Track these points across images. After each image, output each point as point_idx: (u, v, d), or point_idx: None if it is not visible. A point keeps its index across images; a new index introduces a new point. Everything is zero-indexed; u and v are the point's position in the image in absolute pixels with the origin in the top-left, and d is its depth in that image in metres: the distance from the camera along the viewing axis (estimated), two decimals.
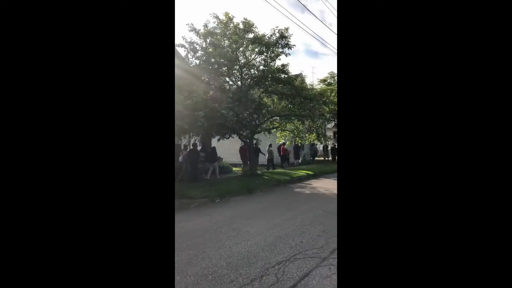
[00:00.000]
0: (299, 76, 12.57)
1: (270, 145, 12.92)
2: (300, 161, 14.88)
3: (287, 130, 12.02)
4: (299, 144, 14.10)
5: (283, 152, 13.70)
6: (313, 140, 12.83)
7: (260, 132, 11.36)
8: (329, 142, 16.82)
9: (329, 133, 24.72)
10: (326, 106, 12.30)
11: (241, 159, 11.70)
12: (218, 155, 10.39)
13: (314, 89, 11.28)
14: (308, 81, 13.58)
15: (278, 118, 11.28)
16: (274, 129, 11.96)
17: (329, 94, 15.93)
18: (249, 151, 10.80)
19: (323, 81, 17.81)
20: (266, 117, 10.96)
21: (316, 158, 16.84)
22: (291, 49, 9.76)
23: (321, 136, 12.04)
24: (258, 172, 11.07)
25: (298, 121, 11.12)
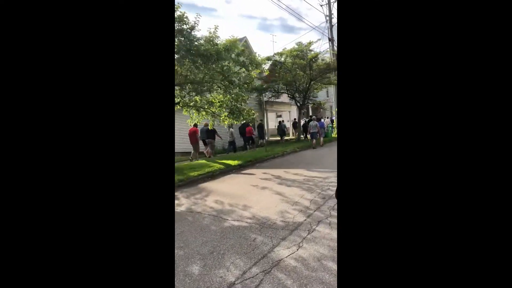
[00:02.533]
0: (244, 42, 9.02)
1: (231, 126, 11.40)
2: (264, 141, 13.35)
3: (192, 107, 8.43)
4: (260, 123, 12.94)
5: (248, 133, 12.41)
6: (224, 119, 9.29)
7: None
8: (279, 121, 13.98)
9: (287, 109, 20.96)
10: (245, 69, 8.88)
11: (191, 143, 10.30)
12: None
13: (215, 40, 7.52)
14: (268, 52, 10.17)
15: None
16: (178, 107, 8.39)
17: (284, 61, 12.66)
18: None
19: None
20: None
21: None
22: None
23: (235, 112, 8.49)
24: None
25: (193, 91, 7.64)
